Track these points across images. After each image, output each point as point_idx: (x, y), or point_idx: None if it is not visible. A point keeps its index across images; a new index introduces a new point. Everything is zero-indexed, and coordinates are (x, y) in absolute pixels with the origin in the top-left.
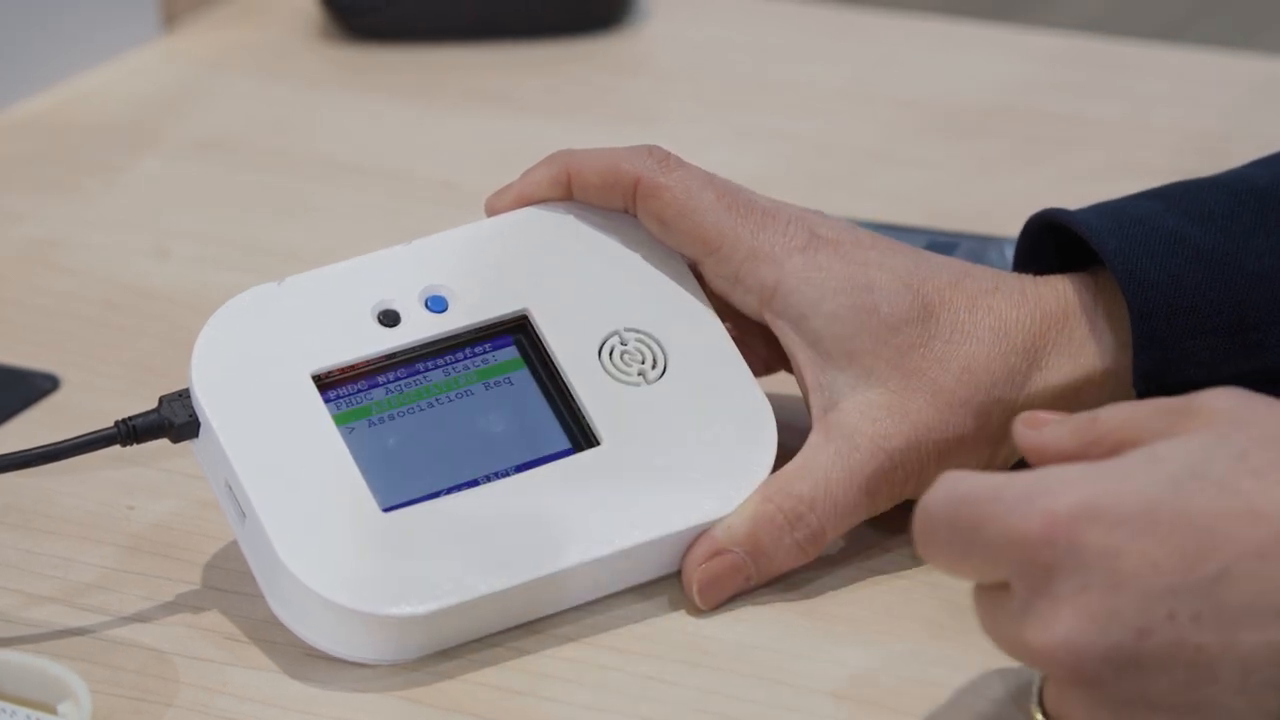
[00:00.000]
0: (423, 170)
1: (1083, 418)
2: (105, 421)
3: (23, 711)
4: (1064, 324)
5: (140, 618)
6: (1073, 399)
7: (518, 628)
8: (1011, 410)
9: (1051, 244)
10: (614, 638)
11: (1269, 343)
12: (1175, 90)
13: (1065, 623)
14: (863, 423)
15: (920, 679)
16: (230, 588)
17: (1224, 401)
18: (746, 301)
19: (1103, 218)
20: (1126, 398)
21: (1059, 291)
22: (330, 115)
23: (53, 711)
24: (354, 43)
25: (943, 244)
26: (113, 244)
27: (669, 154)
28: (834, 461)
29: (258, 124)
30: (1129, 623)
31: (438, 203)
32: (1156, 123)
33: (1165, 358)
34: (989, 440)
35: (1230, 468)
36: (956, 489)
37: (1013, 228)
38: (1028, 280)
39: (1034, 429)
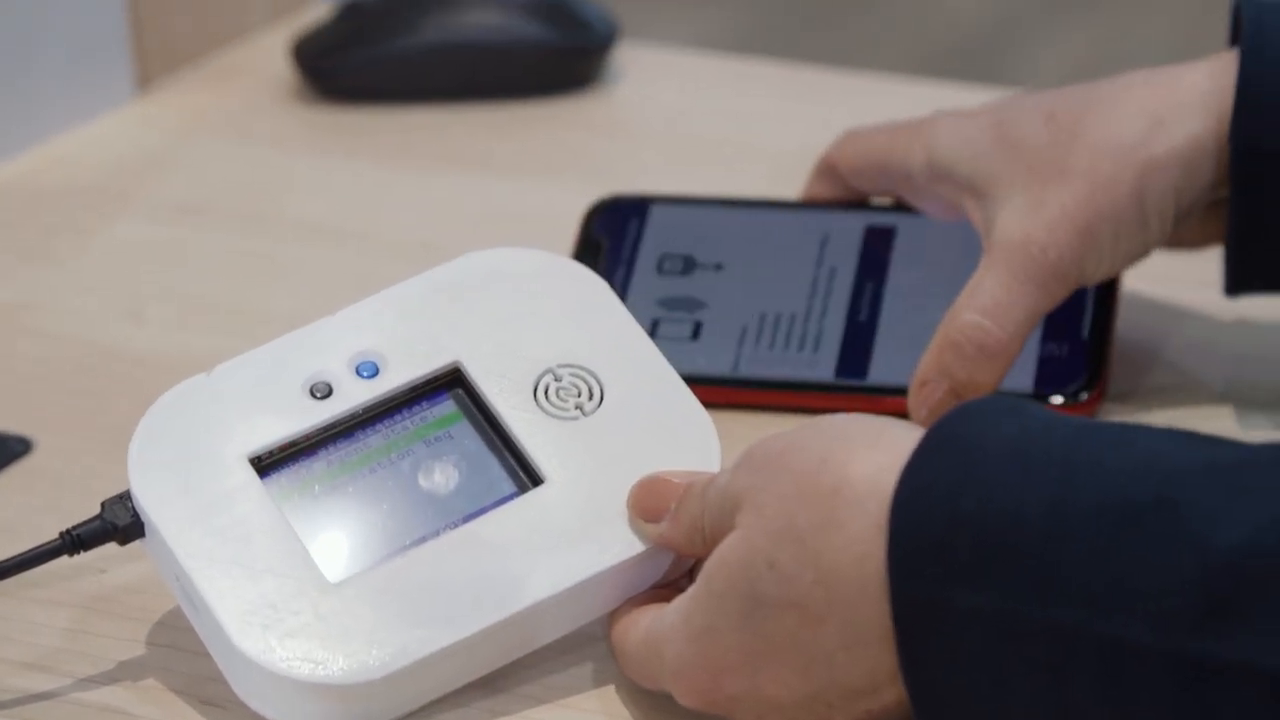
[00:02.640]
0: (398, 231)
1: (685, 517)
2: (78, 485)
3: None
4: (1178, 92)
5: (112, 680)
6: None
7: (486, 690)
8: (1144, 168)
9: None
10: (585, 699)
11: None
12: None
13: None
14: (1008, 228)
15: None
16: (202, 650)
17: (744, 479)
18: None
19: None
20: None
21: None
22: (305, 177)
23: None
24: (328, 104)
25: None
26: (86, 307)
27: None
28: (989, 272)
29: (232, 186)
30: None
31: (413, 264)
32: None
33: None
34: (1130, 198)
35: (772, 585)
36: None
37: None
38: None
39: (654, 524)
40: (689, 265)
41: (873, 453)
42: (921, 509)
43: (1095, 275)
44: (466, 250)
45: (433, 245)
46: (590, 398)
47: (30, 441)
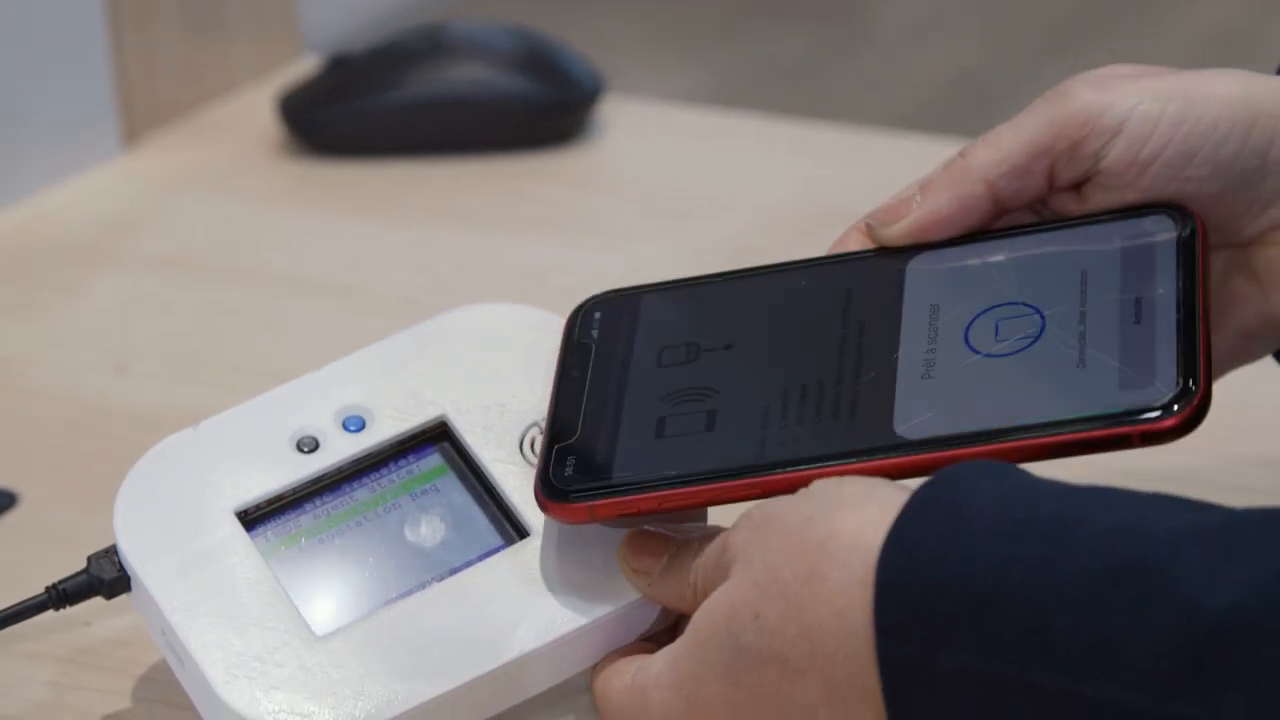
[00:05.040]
0: (382, 285)
1: (676, 572)
2: (63, 539)
3: None
4: None
5: None
6: None
7: None
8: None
9: None
10: None
11: None
12: None
13: None
14: None
15: None
16: (188, 704)
17: (740, 536)
18: None
19: None
20: None
21: None
22: (291, 231)
23: None
24: (314, 159)
25: None
26: (72, 362)
27: None
28: None
29: (218, 241)
30: None
31: (398, 318)
32: None
33: None
34: None
35: (755, 637)
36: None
37: None
38: None
39: (644, 578)
40: (693, 352)
41: (861, 510)
42: (907, 568)
43: None
44: (451, 304)
45: (418, 299)
46: None
47: (15, 495)
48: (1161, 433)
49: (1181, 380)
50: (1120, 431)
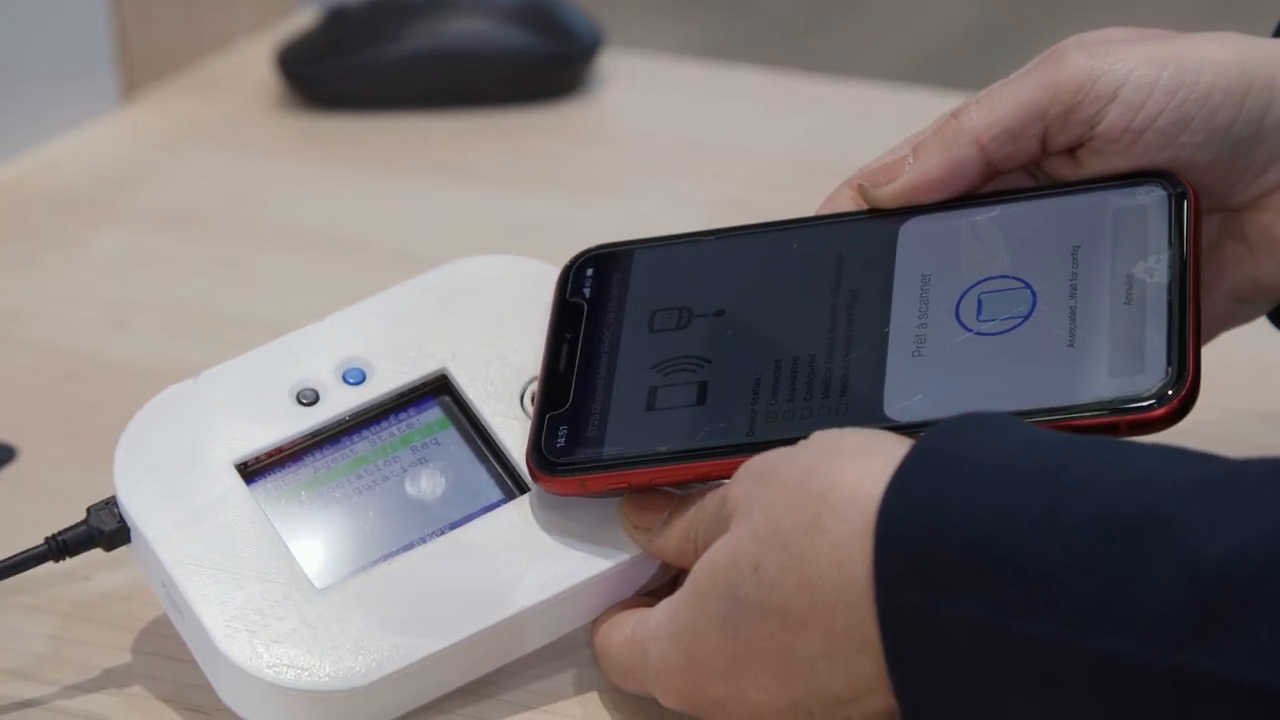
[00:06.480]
0: (381, 239)
1: (677, 527)
2: (63, 492)
3: None
4: None
5: (97, 688)
6: None
7: (471, 696)
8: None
9: None
10: (569, 705)
11: None
12: None
13: None
14: None
15: None
16: (186, 657)
17: (739, 489)
18: None
19: None
20: None
21: None
22: (289, 185)
23: None
24: (313, 112)
25: None
26: (71, 315)
27: None
28: None
29: (216, 194)
30: None
31: (398, 271)
32: None
33: None
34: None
35: (755, 589)
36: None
37: None
38: None
39: (645, 534)
40: (685, 317)
41: (861, 462)
42: (908, 518)
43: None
44: (451, 258)
45: (417, 252)
46: None
47: (14, 449)
48: (1149, 422)
49: (1171, 369)
50: (1108, 421)
